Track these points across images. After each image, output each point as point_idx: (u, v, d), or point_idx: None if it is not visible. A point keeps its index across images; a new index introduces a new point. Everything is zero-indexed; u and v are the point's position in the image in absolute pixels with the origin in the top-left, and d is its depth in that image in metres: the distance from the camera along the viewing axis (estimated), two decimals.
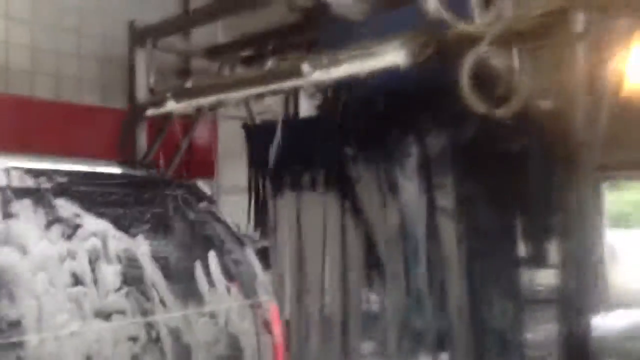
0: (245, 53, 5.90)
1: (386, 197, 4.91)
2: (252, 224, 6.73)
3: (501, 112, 3.89)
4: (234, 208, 7.21)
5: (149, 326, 2.72)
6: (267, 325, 3.21)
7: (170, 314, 2.79)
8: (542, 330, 4.39)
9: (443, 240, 4.58)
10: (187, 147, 6.25)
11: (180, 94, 5.32)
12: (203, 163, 6.72)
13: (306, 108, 6.81)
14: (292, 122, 6.19)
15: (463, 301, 4.53)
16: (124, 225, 2.80)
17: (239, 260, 3.21)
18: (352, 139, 5.04)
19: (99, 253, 2.66)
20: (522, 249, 4.62)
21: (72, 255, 2.58)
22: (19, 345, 2.32)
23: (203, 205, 3.25)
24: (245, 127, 6.17)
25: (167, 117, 5.41)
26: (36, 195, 2.60)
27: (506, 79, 3.88)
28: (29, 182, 2.62)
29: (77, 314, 2.51)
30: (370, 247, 5.07)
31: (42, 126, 5.44)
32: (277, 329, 3.29)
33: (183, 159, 6.24)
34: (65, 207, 2.66)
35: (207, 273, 3.03)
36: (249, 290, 3.19)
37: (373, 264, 5.04)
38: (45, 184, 2.67)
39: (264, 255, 7.35)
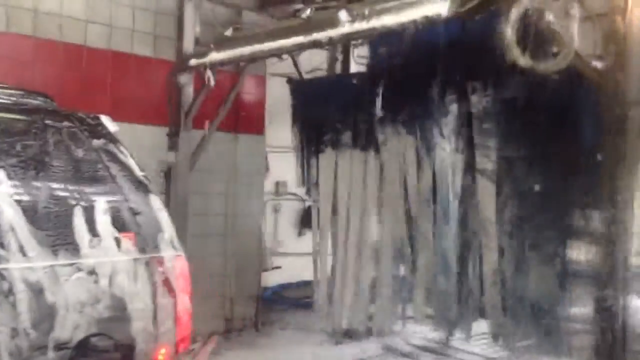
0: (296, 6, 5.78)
1: (420, 155, 4.78)
2: (299, 181, 6.74)
3: (547, 67, 3.66)
4: (283, 165, 7.30)
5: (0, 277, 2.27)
6: (167, 285, 2.79)
7: (29, 265, 2.34)
8: (580, 303, 4.19)
9: (480, 203, 4.42)
10: (233, 102, 6.26)
11: (221, 44, 5.30)
12: (251, 119, 6.72)
13: (356, 68, 6.68)
14: (333, 80, 6.09)
15: (497, 266, 4.38)
16: None
17: (138, 209, 2.77)
18: (390, 96, 4.90)
19: None
20: (566, 217, 4.40)
21: None
22: None
23: (98, 142, 2.79)
24: (290, 82, 6.12)
25: (207, 69, 5.41)
26: None
27: (554, 33, 3.62)
28: None
29: None
30: (404, 205, 4.98)
31: (94, 74, 5.57)
32: (183, 289, 2.88)
33: (230, 114, 6.27)
34: None
35: (90, 221, 2.58)
36: (146, 244, 2.75)
37: (407, 222, 4.95)
38: None
39: (309, 213, 7.44)
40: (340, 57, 6.68)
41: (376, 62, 5.05)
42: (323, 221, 6.39)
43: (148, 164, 5.89)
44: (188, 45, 5.81)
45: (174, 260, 2.87)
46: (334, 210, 6.10)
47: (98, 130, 2.86)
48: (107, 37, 5.76)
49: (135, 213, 2.76)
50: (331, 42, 4.56)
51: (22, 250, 2.35)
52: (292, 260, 7.48)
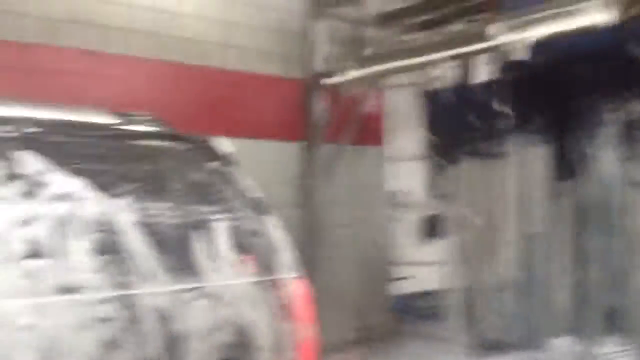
0: (422, 18, 5.82)
1: (574, 167, 4.67)
2: (428, 190, 6.75)
3: None
4: (404, 175, 7.35)
5: (127, 304, 2.23)
6: (287, 309, 2.66)
7: (155, 290, 2.30)
8: None
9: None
10: (359, 115, 6.40)
11: (361, 62, 5.43)
12: (371, 131, 6.83)
13: (480, 74, 6.62)
14: (468, 89, 6.06)
15: None
16: (104, 184, 2.34)
17: (255, 230, 2.68)
18: (535, 105, 4.84)
19: (68, 217, 2.20)
20: None
21: (31, 219, 2.13)
22: None
23: (213, 165, 2.74)
24: (425, 93, 6.16)
25: (342, 86, 5.55)
26: None
27: None
28: None
29: (34, 291, 2.06)
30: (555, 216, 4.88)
31: (230, 95, 5.86)
32: (304, 313, 2.73)
33: (356, 127, 6.40)
34: (31, 162, 2.22)
35: (210, 244, 2.52)
36: (265, 267, 2.66)
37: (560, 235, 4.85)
38: (9, 134, 2.25)
39: (433, 223, 7.42)
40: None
41: (520, 70, 4.99)
42: (455, 230, 6.37)
43: (281, 178, 6.19)
44: (319, 63, 5.99)
45: (294, 283, 2.73)
46: (468, 220, 6.08)
47: (213, 153, 2.80)
48: (240, 59, 6.05)
49: (253, 234, 2.68)
50: (478, 53, 4.56)
51: (146, 275, 2.31)
52: (418, 270, 7.48)
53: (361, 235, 6.67)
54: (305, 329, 2.72)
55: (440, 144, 5.96)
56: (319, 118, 6.04)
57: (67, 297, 2.13)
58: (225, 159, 2.80)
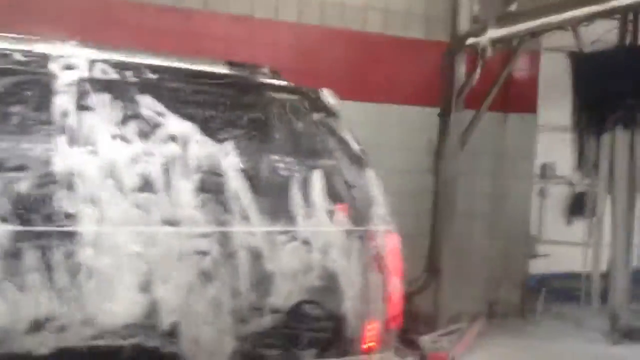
0: None
1: None
2: (576, 163, 6.28)
3: None
4: (553, 147, 6.86)
5: (223, 240, 2.42)
6: (379, 260, 2.73)
7: (251, 229, 2.47)
8: None
9: None
10: (505, 80, 6.05)
11: (502, 19, 5.11)
12: (522, 97, 6.42)
13: None
14: (622, 53, 5.44)
15: None
16: (212, 129, 2.53)
17: (353, 182, 2.75)
18: None
19: (177, 157, 2.42)
20: None
21: (146, 156, 2.38)
22: (75, 236, 2.20)
23: (318, 115, 2.83)
24: (572, 55, 5.66)
25: (486, 47, 5.26)
26: (118, 90, 2.44)
27: None
28: (113, 75, 2.48)
29: (142, 221, 2.31)
30: None
31: (371, 58, 5.87)
32: (394, 265, 2.77)
33: (500, 93, 6.07)
34: (149, 105, 2.45)
35: (307, 192, 2.62)
36: (360, 218, 2.71)
37: None
38: (131, 79, 2.50)
39: (580, 201, 6.88)
40: (630, 26, 5.95)
41: None
42: (600, 209, 5.87)
43: (418, 144, 6.12)
44: (464, 23, 5.74)
45: (386, 236, 2.78)
46: (614, 198, 5.56)
47: (318, 104, 2.88)
48: (383, 22, 6.02)
49: (350, 186, 2.75)
50: (629, 9, 4.06)
51: (244, 215, 2.48)
52: (559, 250, 7.00)
53: (502, 208, 6.39)
54: (393, 282, 2.75)
55: (588, 113, 5.45)
56: (460, 82, 5.81)
57: (170, 229, 2.36)
58: (330, 111, 2.87)
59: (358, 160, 2.82)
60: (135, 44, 3.17)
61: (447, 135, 5.82)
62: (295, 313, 2.52)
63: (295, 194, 2.61)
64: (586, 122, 5.56)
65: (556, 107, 6.44)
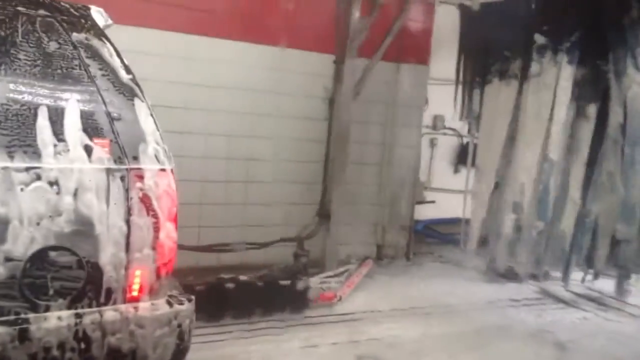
0: None
1: (610, 89, 4.37)
2: (459, 114, 6.58)
3: None
4: (443, 98, 7.12)
5: None
6: (146, 202, 2.46)
7: None
8: None
9: None
10: (399, 30, 6.14)
11: None
12: (416, 48, 6.57)
13: None
14: (507, 5, 5.66)
15: None
16: None
17: (118, 115, 2.44)
18: (570, 22, 4.49)
19: None
20: None
21: None
22: None
23: (78, 36, 2.46)
24: (461, 8, 5.83)
25: None
26: None
27: None
28: None
29: None
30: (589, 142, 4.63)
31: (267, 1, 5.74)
32: (164, 208, 2.52)
33: (394, 43, 6.17)
34: None
35: (57, 124, 2.31)
36: (124, 155, 2.42)
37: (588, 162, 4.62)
38: None
39: (465, 150, 7.26)
40: None
41: None
42: (482, 158, 6.22)
43: (313, 90, 6.13)
44: None
45: (157, 176, 2.51)
46: (494, 147, 5.89)
47: (81, 23, 2.51)
48: None
49: (113, 119, 2.44)
50: None
51: None
52: (445, 197, 7.40)
53: (393, 156, 6.59)
54: (164, 226, 2.53)
55: (472, 64, 5.69)
56: (354, 29, 5.83)
57: None
58: (95, 32, 2.53)
59: (127, 91, 2.50)
60: None
61: (342, 83, 5.87)
62: (39, 260, 2.26)
63: (42, 126, 2.29)
64: (470, 74, 5.78)
65: (448, 60, 6.66)
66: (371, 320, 4.65)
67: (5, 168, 2.20)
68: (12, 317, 2.23)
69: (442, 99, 6.99)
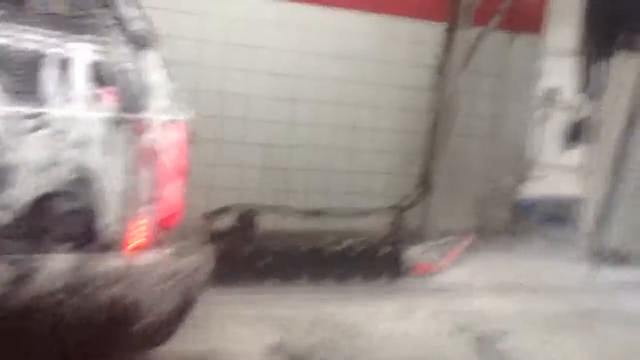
0: None
1: None
2: (576, 88, 6.25)
3: None
4: (559, 70, 6.78)
5: None
6: (151, 155, 2.40)
7: None
8: None
9: None
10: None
11: None
12: (530, 17, 6.27)
13: None
14: None
15: None
16: None
17: (128, 66, 2.39)
18: None
19: None
20: None
21: None
22: None
23: None
24: None
25: None
26: None
27: None
28: None
29: None
30: None
31: None
32: (172, 162, 2.48)
33: (509, 11, 5.93)
34: None
35: (64, 70, 2.27)
36: (132, 105, 2.37)
37: None
38: None
39: (580, 127, 6.88)
40: None
41: None
42: (601, 135, 5.90)
43: (423, 60, 6.05)
44: None
45: (167, 128, 2.45)
46: (616, 124, 5.56)
47: None
48: None
49: (121, 69, 2.39)
50: None
51: None
52: (556, 174, 7.08)
53: (501, 130, 6.40)
54: (171, 178, 2.50)
55: (596, 34, 5.35)
56: None
57: None
58: None
59: (138, 41, 2.45)
60: None
61: (451, 53, 5.75)
62: (37, 206, 2.26)
63: (49, 73, 2.26)
64: (592, 45, 5.45)
65: (565, 30, 6.31)
66: (469, 294, 4.64)
67: (10, 114, 2.19)
68: (15, 257, 2.25)
69: (559, 71, 6.65)
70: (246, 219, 4.96)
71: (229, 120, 5.40)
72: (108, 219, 2.39)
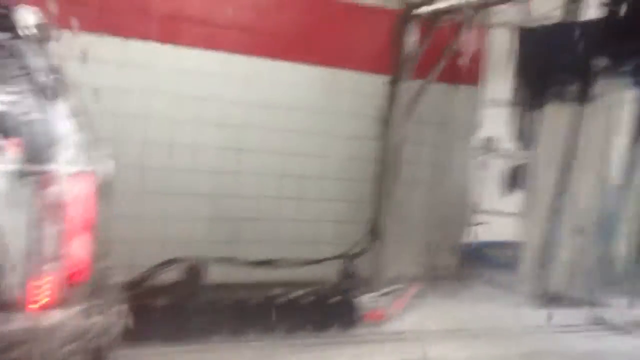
0: None
1: None
2: (512, 136, 6.55)
3: None
4: (495, 120, 7.10)
5: None
6: (56, 209, 2.32)
7: None
8: None
9: None
10: (454, 52, 6.19)
11: None
12: (469, 70, 6.58)
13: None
14: (565, 27, 5.61)
15: None
16: None
17: (34, 116, 2.33)
18: (636, 42, 4.45)
19: None
20: None
21: None
22: None
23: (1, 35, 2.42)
24: (516, 30, 5.82)
25: (437, 17, 5.37)
26: None
27: None
28: None
29: None
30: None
31: (323, 23, 5.90)
32: (80, 215, 2.39)
33: (448, 65, 6.21)
34: None
35: None
36: (37, 157, 2.29)
37: None
38: None
39: (517, 173, 7.18)
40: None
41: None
42: (536, 181, 6.16)
43: (367, 111, 6.23)
44: None
45: (74, 180, 2.37)
46: (551, 170, 5.84)
47: (4, 23, 2.45)
48: None
49: (29, 119, 2.32)
50: None
51: None
52: (496, 219, 7.33)
53: (443, 177, 6.61)
54: (78, 232, 2.42)
55: (528, 87, 5.67)
56: (409, 51, 5.92)
57: None
58: (24, 32, 2.47)
59: (46, 91, 2.40)
60: None
61: (395, 104, 5.95)
62: None
63: None
64: (525, 96, 5.77)
65: (501, 82, 6.66)
66: (420, 340, 4.67)
67: None
68: None
69: (496, 120, 6.97)
70: (193, 271, 4.88)
71: (177, 172, 5.37)
72: (10, 277, 2.28)
